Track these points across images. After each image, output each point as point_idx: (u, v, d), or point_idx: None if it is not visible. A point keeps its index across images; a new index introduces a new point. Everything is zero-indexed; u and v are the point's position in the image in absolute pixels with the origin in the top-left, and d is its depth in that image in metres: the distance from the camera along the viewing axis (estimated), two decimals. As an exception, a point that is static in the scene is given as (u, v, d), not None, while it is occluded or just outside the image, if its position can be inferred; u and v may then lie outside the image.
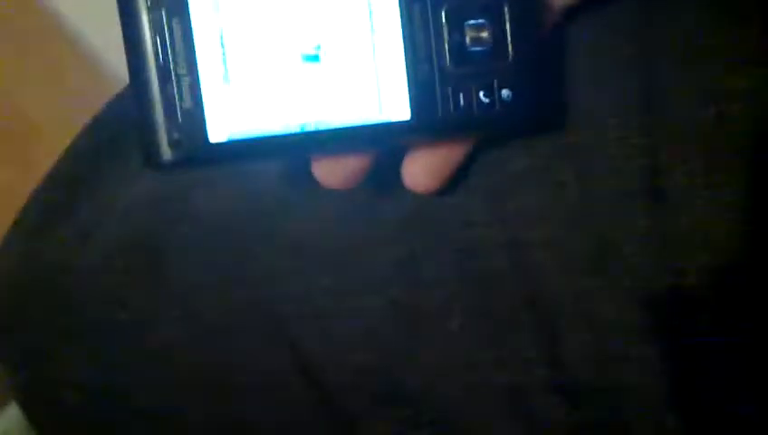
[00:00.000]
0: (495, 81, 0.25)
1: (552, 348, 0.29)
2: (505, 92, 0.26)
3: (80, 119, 0.39)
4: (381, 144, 0.26)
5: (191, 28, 0.24)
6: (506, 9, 0.25)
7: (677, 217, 0.27)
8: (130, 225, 0.34)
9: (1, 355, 0.37)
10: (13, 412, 0.56)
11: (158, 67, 0.24)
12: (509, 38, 0.25)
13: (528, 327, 0.29)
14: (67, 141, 0.39)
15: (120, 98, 0.39)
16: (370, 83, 0.25)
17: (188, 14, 0.24)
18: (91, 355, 0.35)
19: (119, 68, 0.68)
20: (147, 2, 0.24)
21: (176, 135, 0.24)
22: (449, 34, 0.25)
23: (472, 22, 0.25)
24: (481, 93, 0.26)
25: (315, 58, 0.25)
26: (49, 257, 0.36)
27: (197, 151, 0.24)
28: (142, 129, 0.24)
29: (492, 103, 0.26)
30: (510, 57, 0.26)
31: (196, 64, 0.24)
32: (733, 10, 0.27)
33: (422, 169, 0.27)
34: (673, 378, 0.27)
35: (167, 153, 0.24)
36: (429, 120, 0.26)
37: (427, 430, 0.31)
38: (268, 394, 0.33)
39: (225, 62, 0.24)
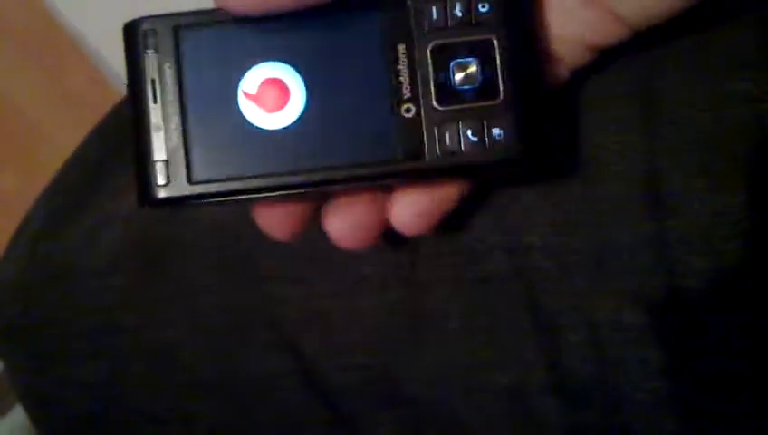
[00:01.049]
0: (485, 120, 0.24)
1: (551, 349, 0.29)
2: (496, 132, 0.24)
3: (80, 120, 0.39)
4: (367, 182, 0.25)
5: (182, 72, 0.25)
6: (496, 46, 0.24)
7: (676, 219, 0.27)
8: (134, 228, 0.35)
9: (6, 358, 0.38)
10: (18, 415, 0.56)
11: (151, 108, 0.25)
12: (499, 76, 0.24)
13: (528, 329, 0.29)
14: (68, 143, 0.39)
15: (123, 104, 0.39)
16: (354, 121, 0.25)
17: (180, 59, 0.25)
18: (95, 357, 0.35)
19: (120, 69, 0.68)
20: (144, 45, 0.25)
21: (163, 174, 0.25)
22: (435, 73, 0.24)
23: (459, 60, 0.24)
24: (469, 133, 0.24)
25: (299, 101, 0.25)
26: (54, 261, 0.36)
27: (183, 190, 0.25)
28: (136, 166, 0.25)
29: (481, 143, 0.24)
30: (501, 95, 0.24)
31: (185, 106, 0.25)
32: (732, 14, 0.27)
33: (409, 211, 0.26)
34: (672, 380, 0.27)
35: (155, 192, 0.25)
36: (415, 160, 0.25)
37: (426, 431, 0.31)
38: (269, 396, 0.33)
39: (214, 103, 0.25)
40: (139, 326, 0.34)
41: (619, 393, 0.28)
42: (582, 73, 0.27)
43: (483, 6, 0.24)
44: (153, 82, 0.25)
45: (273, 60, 0.25)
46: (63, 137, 0.39)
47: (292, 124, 0.25)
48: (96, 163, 0.37)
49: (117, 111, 0.38)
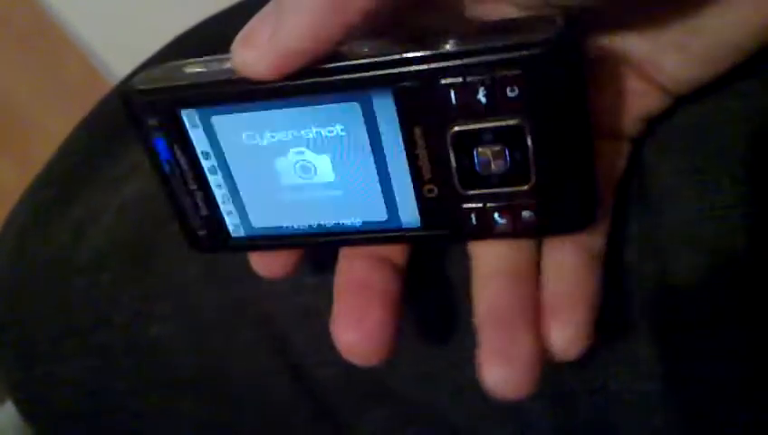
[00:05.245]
0: (513, 203, 0.23)
1: None
2: (527, 214, 0.23)
3: (78, 115, 0.39)
4: (391, 242, 0.25)
5: (194, 151, 0.25)
6: (527, 132, 0.22)
7: (664, 215, 0.27)
8: (123, 223, 0.34)
9: None
10: (9, 410, 0.56)
11: (175, 182, 0.25)
12: (531, 161, 0.22)
13: None
14: (64, 137, 0.39)
15: (112, 95, 0.39)
16: (377, 194, 0.24)
17: (190, 140, 0.25)
18: (84, 353, 0.35)
19: (115, 65, 0.68)
20: (152, 128, 0.25)
21: (204, 233, 0.26)
22: (456, 157, 0.22)
23: (483, 147, 0.22)
24: (496, 215, 0.23)
25: (316, 172, 0.24)
26: (43, 256, 0.36)
27: (224, 245, 0.27)
28: (183, 229, 0.27)
29: (509, 225, 0.23)
30: (533, 180, 0.22)
31: (206, 180, 0.25)
32: None
33: None
34: (660, 378, 0.27)
35: (202, 243, 0.27)
36: (441, 231, 0.24)
37: (413, 429, 0.31)
38: (256, 391, 0.33)
39: (232, 175, 0.25)
40: (127, 322, 0.34)
41: (605, 393, 0.28)
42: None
43: (511, 90, 0.21)
44: (167, 160, 0.25)
45: (301, 147, 0.24)
46: (61, 132, 0.39)
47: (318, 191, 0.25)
48: (83, 156, 0.37)
49: (104, 104, 0.38)
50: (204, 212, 0.26)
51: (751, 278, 0.26)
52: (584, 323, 0.23)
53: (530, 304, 0.23)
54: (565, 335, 0.23)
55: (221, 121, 0.24)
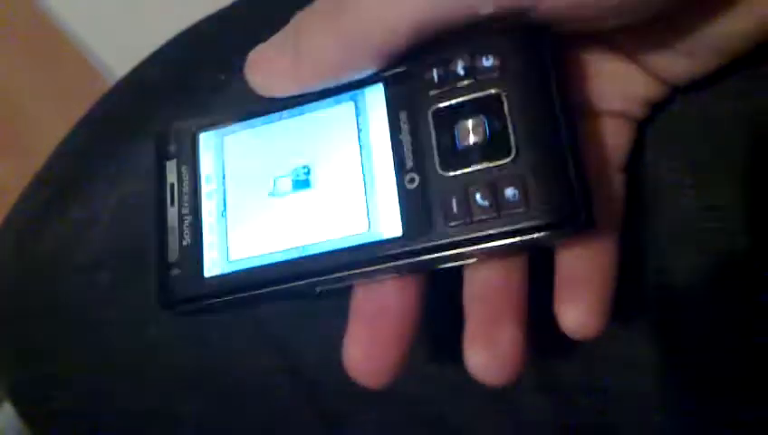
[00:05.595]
0: (496, 182, 0.21)
1: (539, 348, 0.28)
2: (510, 192, 0.21)
3: (77, 114, 0.39)
4: (377, 263, 0.23)
5: (199, 174, 0.26)
6: (504, 99, 0.21)
7: (663, 215, 0.27)
8: (120, 225, 0.34)
9: None
10: (8, 411, 0.56)
11: (169, 211, 0.26)
12: (510, 131, 0.21)
13: None
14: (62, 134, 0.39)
15: (110, 95, 0.39)
16: (361, 202, 0.23)
17: (197, 162, 0.26)
18: (81, 354, 0.35)
19: (115, 65, 0.68)
20: (166, 151, 0.26)
21: (177, 271, 0.25)
22: (437, 137, 0.22)
23: (462, 121, 0.22)
24: (477, 196, 0.21)
25: (306, 184, 0.24)
26: (42, 255, 0.36)
27: (196, 286, 0.25)
28: (157, 268, 0.25)
29: (492, 207, 0.21)
30: (513, 152, 0.21)
31: (199, 206, 0.25)
32: None
33: None
34: (659, 377, 0.27)
35: (172, 292, 0.25)
36: (423, 236, 0.22)
37: (413, 429, 0.31)
38: (256, 392, 0.33)
39: (225, 199, 0.25)
40: (125, 323, 0.34)
41: (605, 392, 0.28)
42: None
43: (486, 60, 0.22)
44: (170, 184, 0.26)
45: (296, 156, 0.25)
46: (62, 131, 0.39)
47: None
48: (83, 155, 0.37)
49: (103, 102, 0.37)
50: (186, 241, 0.25)
51: (749, 277, 0.26)
52: (598, 301, 0.23)
53: (518, 291, 0.23)
54: (576, 315, 0.22)
55: (231, 142, 0.26)
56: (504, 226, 0.21)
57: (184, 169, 0.26)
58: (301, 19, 0.23)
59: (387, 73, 0.23)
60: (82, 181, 0.36)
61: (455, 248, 0.22)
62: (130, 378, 0.34)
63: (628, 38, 0.24)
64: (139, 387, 0.34)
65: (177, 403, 0.34)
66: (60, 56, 0.75)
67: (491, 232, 0.21)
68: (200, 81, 0.34)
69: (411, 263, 0.22)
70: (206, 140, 0.26)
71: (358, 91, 0.24)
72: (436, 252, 0.22)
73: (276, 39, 0.24)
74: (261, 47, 0.24)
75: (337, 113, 0.24)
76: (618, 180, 0.25)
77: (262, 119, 0.25)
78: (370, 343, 0.23)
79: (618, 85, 0.25)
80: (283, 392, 0.32)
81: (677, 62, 0.24)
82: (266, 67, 0.24)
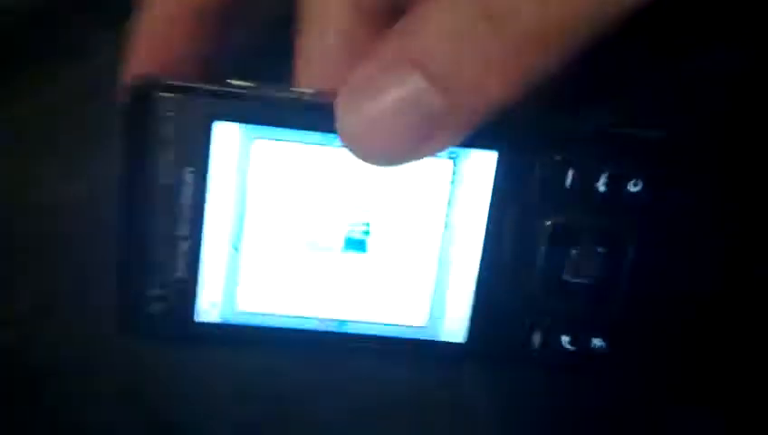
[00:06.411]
0: (588, 325, 0.19)
1: None
2: (597, 342, 0.19)
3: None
4: (420, 361, 0.21)
5: (206, 180, 0.19)
6: (627, 241, 0.18)
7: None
8: None
9: None
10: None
11: (158, 220, 0.19)
12: (623, 276, 0.19)
13: None
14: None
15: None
16: (425, 289, 0.19)
17: (207, 164, 0.18)
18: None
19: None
20: (159, 138, 0.18)
21: (160, 306, 0.19)
22: (546, 256, 0.19)
23: (578, 248, 0.18)
24: (564, 338, 0.19)
25: (360, 245, 0.19)
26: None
27: (181, 329, 0.20)
28: (122, 286, 0.19)
29: (575, 353, 0.19)
30: (618, 301, 0.19)
31: (201, 226, 0.19)
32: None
33: None
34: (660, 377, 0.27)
35: (147, 324, 0.19)
36: (488, 350, 0.20)
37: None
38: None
39: (242, 227, 0.19)
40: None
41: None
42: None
43: (636, 185, 0.18)
44: (162, 187, 0.19)
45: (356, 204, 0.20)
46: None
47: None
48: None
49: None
50: (179, 273, 0.19)
51: (745, 275, 0.26)
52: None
53: None
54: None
55: (262, 149, 0.18)
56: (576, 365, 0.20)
57: (185, 169, 0.19)
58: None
59: (506, 144, 0.18)
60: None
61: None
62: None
63: None
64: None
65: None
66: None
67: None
68: None
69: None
70: (225, 136, 0.18)
71: (462, 150, 0.18)
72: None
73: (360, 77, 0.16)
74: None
75: (427, 168, 0.19)
76: None
77: (317, 134, 0.18)
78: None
79: None
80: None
81: None
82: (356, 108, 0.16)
